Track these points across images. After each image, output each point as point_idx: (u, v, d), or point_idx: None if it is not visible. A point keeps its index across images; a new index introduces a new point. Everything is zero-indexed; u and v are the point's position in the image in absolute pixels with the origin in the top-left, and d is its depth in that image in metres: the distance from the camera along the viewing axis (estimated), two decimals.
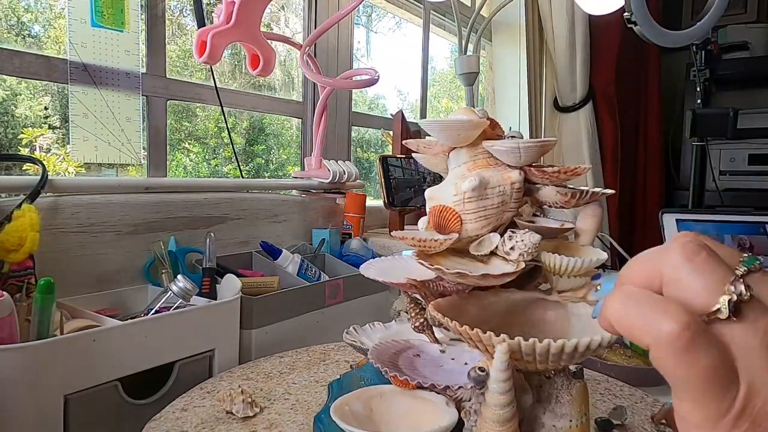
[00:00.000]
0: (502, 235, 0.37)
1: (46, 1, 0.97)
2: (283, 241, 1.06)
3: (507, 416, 0.34)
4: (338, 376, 0.56)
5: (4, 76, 0.88)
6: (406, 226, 1.26)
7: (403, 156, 1.27)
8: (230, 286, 0.77)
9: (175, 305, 0.69)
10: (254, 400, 0.57)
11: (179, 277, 0.70)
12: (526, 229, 0.37)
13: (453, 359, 0.40)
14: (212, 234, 0.84)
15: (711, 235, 1.02)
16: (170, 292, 0.69)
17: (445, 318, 0.34)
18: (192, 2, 1.01)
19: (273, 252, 0.93)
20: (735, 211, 1.06)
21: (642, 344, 0.19)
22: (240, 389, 0.57)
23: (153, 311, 0.68)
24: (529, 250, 0.36)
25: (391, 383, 0.47)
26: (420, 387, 0.41)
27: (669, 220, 1.03)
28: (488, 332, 0.32)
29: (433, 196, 0.38)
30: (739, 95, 2.35)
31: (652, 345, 0.19)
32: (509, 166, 0.39)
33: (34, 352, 0.52)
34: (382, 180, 1.19)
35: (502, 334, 0.32)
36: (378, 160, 1.21)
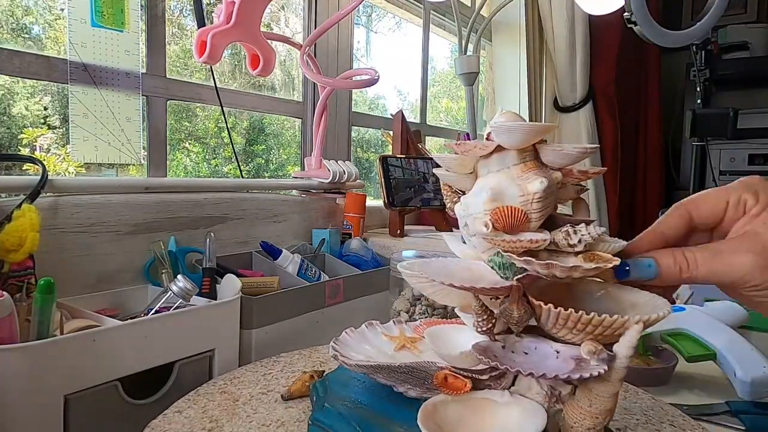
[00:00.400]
0: (551, 231, 0.39)
1: (46, 1, 0.97)
2: (283, 241, 1.06)
3: (619, 388, 0.36)
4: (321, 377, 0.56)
5: (3, 76, 0.88)
6: (406, 226, 1.26)
7: (403, 156, 1.27)
8: (230, 286, 0.77)
9: (175, 305, 0.69)
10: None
11: (179, 277, 0.70)
12: (582, 223, 0.39)
13: (513, 352, 0.41)
14: (212, 234, 0.84)
15: None
16: (170, 292, 0.69)
17: (570, 310, 0.36)
18: (192, 2, 1.01)
19: (273, 252, 0.93)
20: None
21: None
22: None
23: (153, 311, 0.68)
24: (595, 241, 0.38)
25: (403, 394, 0.46)
26: (476, 384, 0.41)
27: None
28: (626, 316, 0.35)
29: (496, 198, 0.39)
30: (739, 95, 2.35)
31: None
32: (551, 167, 0.41)
33: (34, 352, 0.52)
34: (382, 180, 1.19)
35: (636, 315, 0.35)
36: (378, 160, 1.21)
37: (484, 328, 0.40)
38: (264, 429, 0.52)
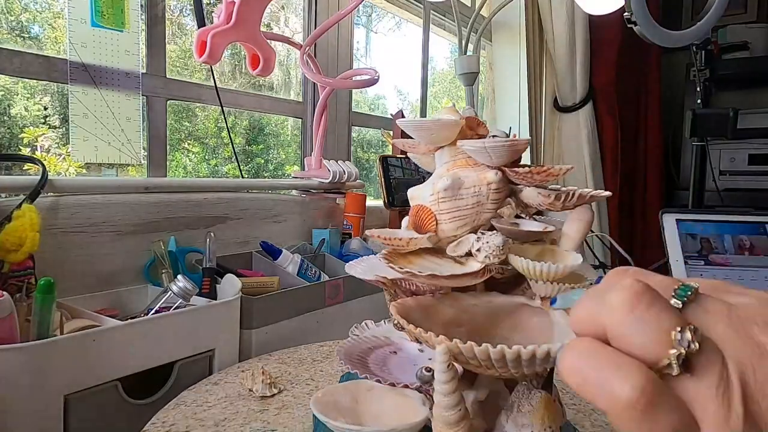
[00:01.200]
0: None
1: (46, 1, 0.97)
2: (283, 241, 1.06)
3: (454, 419, 0.32)
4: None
5: (3, 76, 0.88)
6: None
7: (403, 156, 1.27)
8: (230, 286, 0.77)
9: (175, 305, 0.69)
10: (273, 382, 0.60)
11: (179, 277, 0.70)
12: (494, 231, 0.36)
13: (430, 359, 0.40)
14: (212, 234, 0.84)
15: (711, 235, 1.02)
16: (170, 292, 0.69)
17: (397, 315, 0.33)
18: (192, 2, 1.01)
19: (273, 252, 0.93)
20: (735, 211, 1.05)
21: (598, 407, 0.18)
22: (261, 370, 0.60)
23: (153, 311, 0.68)
24: (494, 252, 0.35)
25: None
26: (392, 386, 0.41)
27: (669, 220, 1.03)
28: (429, 332, 0.31)
29: (414, 196, 0.38)
30: (739, 95, 2.35)
31: (609, 411, 0.17)
32: (488, 166, 0.38)
33: (34, 352, 0.52)
34: (382, 180, 1.19)
35: (441, 335, 0.30)
36: (378, 160, 1.21)
37: (394, 321, 0.40)
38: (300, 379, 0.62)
